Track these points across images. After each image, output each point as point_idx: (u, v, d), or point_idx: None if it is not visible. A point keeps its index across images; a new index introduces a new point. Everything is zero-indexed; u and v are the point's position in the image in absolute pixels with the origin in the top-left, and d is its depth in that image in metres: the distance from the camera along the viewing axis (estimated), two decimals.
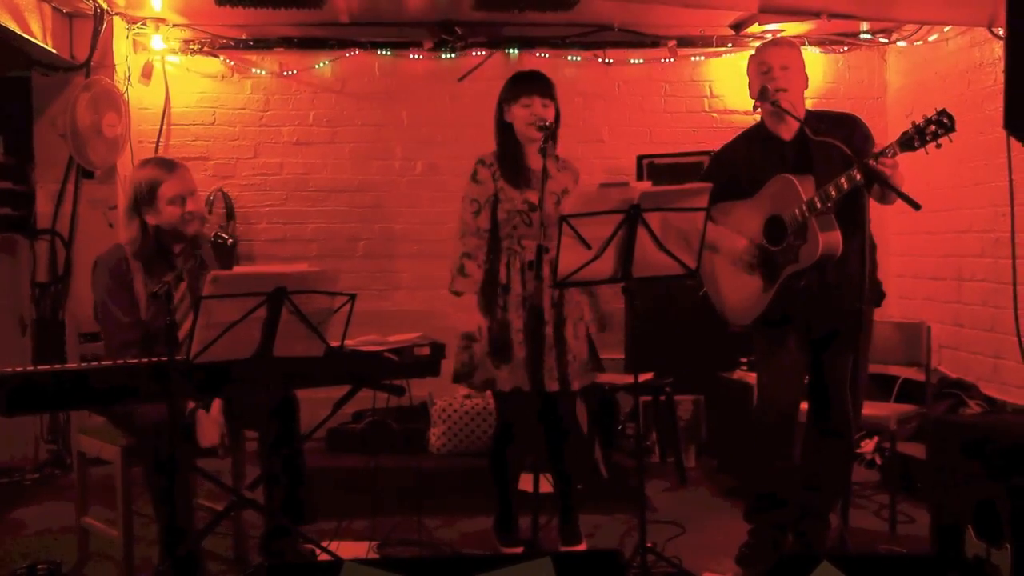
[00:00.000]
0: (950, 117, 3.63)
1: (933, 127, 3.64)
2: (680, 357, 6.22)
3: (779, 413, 4.31)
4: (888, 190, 3.87)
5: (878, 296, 4.34)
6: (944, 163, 6.39)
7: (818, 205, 3.93)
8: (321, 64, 7.30)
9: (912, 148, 3.70)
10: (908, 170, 3.96)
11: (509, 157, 4.44)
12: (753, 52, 4.38)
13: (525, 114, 4.33)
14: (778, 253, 4.14)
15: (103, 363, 3.66)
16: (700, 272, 4.02)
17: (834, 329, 4.19)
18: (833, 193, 3.88)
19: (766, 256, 4.20)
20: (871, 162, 3.75)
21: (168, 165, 4.13)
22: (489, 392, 4.52)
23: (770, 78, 4.16)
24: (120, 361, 3.65)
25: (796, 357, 4.29)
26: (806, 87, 4.28)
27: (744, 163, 4.31)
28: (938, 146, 3.67)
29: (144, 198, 4.07)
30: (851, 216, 3.97)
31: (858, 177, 3.78)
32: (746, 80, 4.34)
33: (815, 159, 4.06)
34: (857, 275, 3.88)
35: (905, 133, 3.71)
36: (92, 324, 4.20)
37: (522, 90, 4.37)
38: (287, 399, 4.10)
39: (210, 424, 3.95)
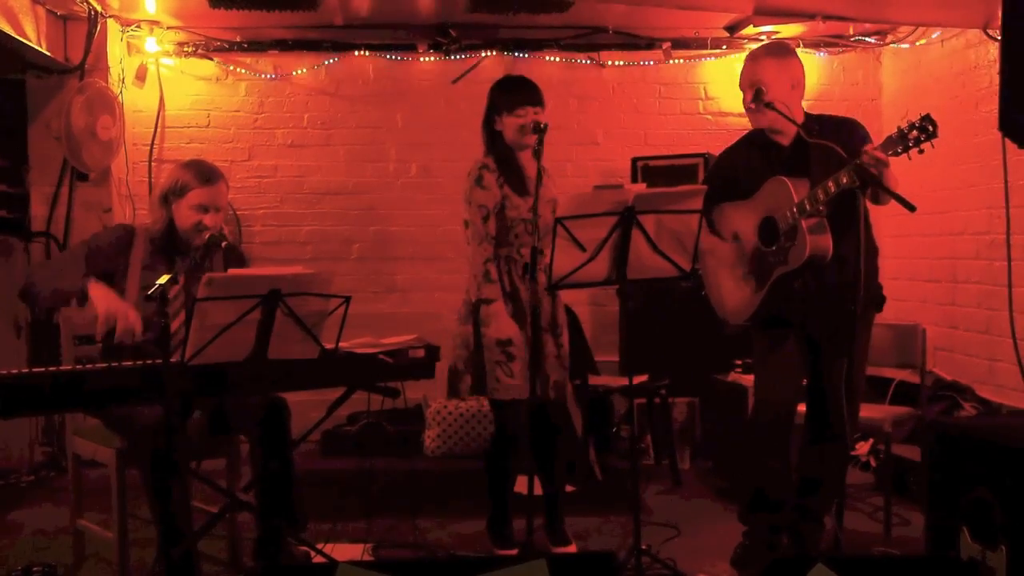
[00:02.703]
0: (933, 123, 3.61)
1: (916, 132, 3.63)
2: (675, 359, 6.23)
3: (774, 413, 4.31)
4: (881, 191, 3.86)
5: (879, 300, 4.34)
6: (939, 165, 6.40)
7: (807, 207, 3.94)
8: (315, 66, 7.30)
9: (895, 154, 3.70)
10: (903, 172, 3.96)
11: (510, 163, 4.43)
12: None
13: (519, 125, 4.32)
14: (770, 254, 4.15)
15: (98, 365, 3.65)
16: (699, 271, 4.02)
17: (832, 332, 4.19)
18: (821, 196, 3.88)
19: (759, 257, 4.21)
20: (864, 159, 3.74)
21: (207, 176, 4.14)
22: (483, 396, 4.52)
23: (745, 101, 4.19)
24: (114, 363, 3.65)
25: (793, 359, 4.29)
26: (795, 91, 4.22)
27: (743, 167, 4.32)
28: (920, 151, 3.66)
29: (174, 193, 4.12)
30: (848, 219, 3.97)
31: (844, 180, 3.78)
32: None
33: (813, 163, 4.05)
34: (855, 278, 3.89)
35: (889, 138, 3.70)
36: (87, 327, 4.20)
37: (516, 101, 4.35)
38: (276, 404, 4.11)
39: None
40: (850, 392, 4.16)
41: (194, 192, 4.09)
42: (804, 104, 4.32)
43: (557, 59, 7.32)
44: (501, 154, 4.44)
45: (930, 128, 3.61)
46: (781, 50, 4.31)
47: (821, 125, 4.14)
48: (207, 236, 4.12)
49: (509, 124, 4.35)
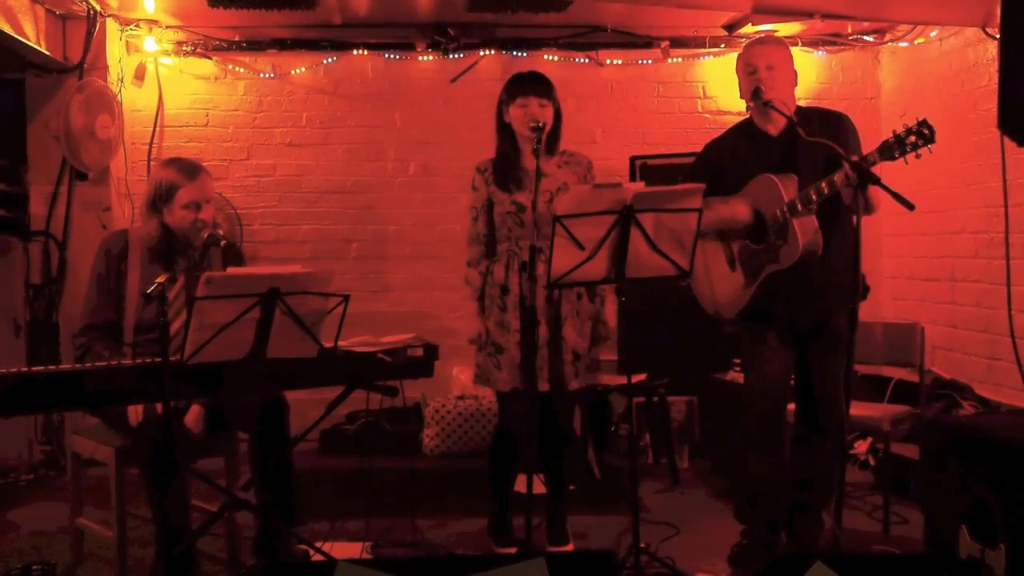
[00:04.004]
0: (930, 128, 3.60)
1: (913, 137, 3.61)
2: (673, 358, 6.22)
3: (765, 409, 4.31)
4: (880, 189, 3.85)
5: (863, 290, 4.34)
6: (938, 164, 6.37)
7: (799, 207, 3.94)
8: (314, 66, 7.30)
9: (892, 158, 3.68)
10: (901, 171, 3.96)
11: (503, 159, 4.46)
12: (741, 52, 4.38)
13: (521, 114, 4.33)
14: (760, 251, 4.15)
15: (97, 364, 3.65)
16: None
17: (819, 327, 4.19)
18: (814, 196, 3.88)
19: (748, 253, 4.21)
20: (855, 160, 3.74)
21: (190, 171, 4.14)
22: (485, 392, 4.54)
23: (756, 79, 4.15)
24: (113, 362, 3.65)
25: (780, 354, 4.28)
26: (795, 84, 4.25)
27: (730, 158, 4.30)
28: (918, 156, 3.65)
29: (162, 198, 4.12)
30: (835, 214, 3.97)
31: (838, 181, 3.77)
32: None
33: (800, 158, 4.05)
34: (842, 274, 3.89)
35: (885, 142, 3.69)
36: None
37: (519, 91, 4.38)
38: (275, 401, 4.11)
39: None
40: (843, 388, 4.17)
41: (183, 191, 4.09)
42: (802, 103, 4.32)
43: (555, 58, 7.32)
44: (502, 148, 4.47)
45: (927, 132, 3.60)
46: (780, 40, 4.33)
47: (810, 119, 4.13)
48: (206, 233, 4.12)
49: (514, 114, 4.38)
